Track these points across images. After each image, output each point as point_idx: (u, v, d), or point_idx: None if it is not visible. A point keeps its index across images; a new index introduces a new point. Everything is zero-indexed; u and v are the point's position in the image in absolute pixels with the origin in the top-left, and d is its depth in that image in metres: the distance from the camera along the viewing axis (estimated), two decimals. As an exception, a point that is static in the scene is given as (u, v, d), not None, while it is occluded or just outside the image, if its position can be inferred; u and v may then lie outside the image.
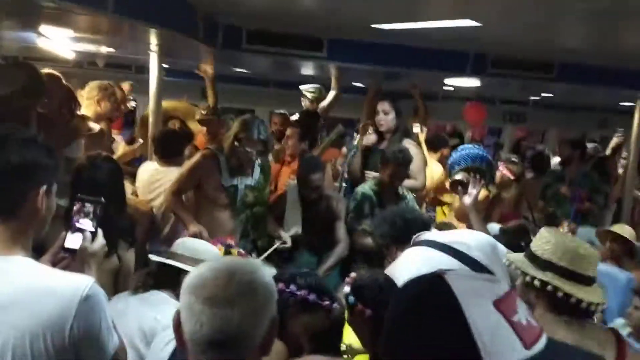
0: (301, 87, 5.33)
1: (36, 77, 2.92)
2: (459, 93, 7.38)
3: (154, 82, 4.02)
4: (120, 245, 2.54)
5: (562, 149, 5.52)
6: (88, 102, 4.01)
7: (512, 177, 4.80)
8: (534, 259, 1.78)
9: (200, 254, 2.21)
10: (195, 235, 3.08)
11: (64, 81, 3.45)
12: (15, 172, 1.31)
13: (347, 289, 2.05)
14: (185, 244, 2.29)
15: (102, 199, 1.57)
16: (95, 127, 3.59)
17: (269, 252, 3.24)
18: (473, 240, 2.23)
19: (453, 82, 5.47)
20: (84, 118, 3.65)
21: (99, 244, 1.56)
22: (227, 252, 2.79)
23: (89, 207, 1.55)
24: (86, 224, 1.54)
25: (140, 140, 4.61)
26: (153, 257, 2.23)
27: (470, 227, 4.14)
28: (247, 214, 3.31)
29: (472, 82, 5.18)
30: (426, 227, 2.44)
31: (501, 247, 2.26)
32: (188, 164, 3.36)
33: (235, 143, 3.22)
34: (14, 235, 1.32)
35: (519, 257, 1.84)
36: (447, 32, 3.74)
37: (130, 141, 5.43)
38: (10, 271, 1.28)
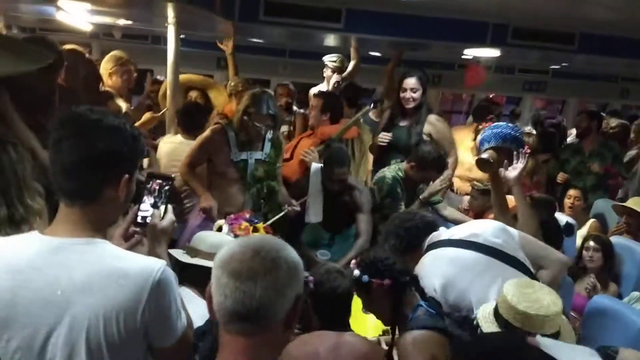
0: (324, 57, 5.30)
1: (56, 51, 2.95)
2: (477, 61, 7.26)
3: (172, 55, 4.02)
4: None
5: (580, 120, 5.42)
6: (102, 73, 3.98)
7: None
8: (497, 315, 1.80)
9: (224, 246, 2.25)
10: (205, 211, 3.16)
11: (87, 56, 3.46)
12: (100, 160, 1.30)
13: (357, 272, 2.04)
14: (206, 240, 2.29)
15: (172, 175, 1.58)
16: (123, 105, 3.61)
17: (277, 217, 3.25)
18: (485, 229, 2.22)
19: (472, 52, 5.39)
20: (112, 96, 3.66)
21: (168, 221, 1.56)
22: (255, 228, 2.85)
23: (158, 183, 1.57)
24: (156, 200, 1.55)
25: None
26: (179, 257, 2.21)
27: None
28: (257, 188, 3.33)
29: (492, 53, 5.10)
30: (432, 227, 2.37)
31: (511, 229, 2.26)
32: (199, 138, 3.40)
33: (245, 117, 3.21)
34: (92, 220, 1.34)
35: (485, 313, 1.84)
36: (467, 2, 3.67)
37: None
38: (86, 255, 1.30)
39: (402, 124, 3.89)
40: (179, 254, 2.24)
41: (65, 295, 1.26)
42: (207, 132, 3.37)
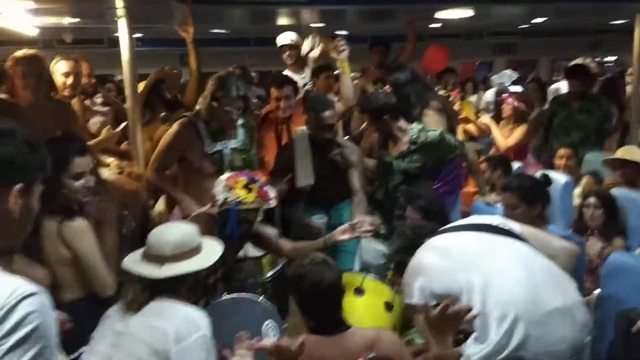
0: (278, 39, 5.01)
1: None
2: (447, 29, 7.07)
3: (126, 52, 3.65)
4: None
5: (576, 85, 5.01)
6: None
7: (526, 108, 4.63)
8: None
9: (188, 242, 1.96)
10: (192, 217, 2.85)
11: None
12: None
13: None
14: (169, 242, 1.95)
15: None
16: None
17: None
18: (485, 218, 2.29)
19: (444, 14, 5.11)
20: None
21: None
22: (247, 187, 2.55)
23: None
24: None
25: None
26: (146, 273, 1.90)
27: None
28: None
29: (465, 13, 4.85)
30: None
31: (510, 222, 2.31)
32: (165, 136, 3.15)
33: (213, 103, 3.00)
34: None
35: None
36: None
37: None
38: None
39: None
40: (140, 265, 1.93)
41: None
42: (174, 129, 3.12)
